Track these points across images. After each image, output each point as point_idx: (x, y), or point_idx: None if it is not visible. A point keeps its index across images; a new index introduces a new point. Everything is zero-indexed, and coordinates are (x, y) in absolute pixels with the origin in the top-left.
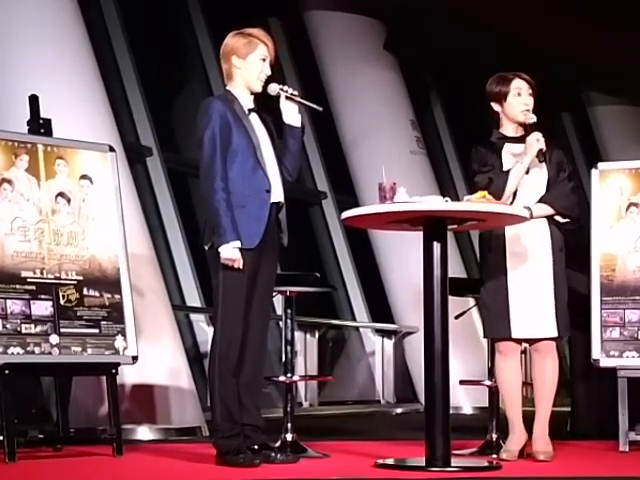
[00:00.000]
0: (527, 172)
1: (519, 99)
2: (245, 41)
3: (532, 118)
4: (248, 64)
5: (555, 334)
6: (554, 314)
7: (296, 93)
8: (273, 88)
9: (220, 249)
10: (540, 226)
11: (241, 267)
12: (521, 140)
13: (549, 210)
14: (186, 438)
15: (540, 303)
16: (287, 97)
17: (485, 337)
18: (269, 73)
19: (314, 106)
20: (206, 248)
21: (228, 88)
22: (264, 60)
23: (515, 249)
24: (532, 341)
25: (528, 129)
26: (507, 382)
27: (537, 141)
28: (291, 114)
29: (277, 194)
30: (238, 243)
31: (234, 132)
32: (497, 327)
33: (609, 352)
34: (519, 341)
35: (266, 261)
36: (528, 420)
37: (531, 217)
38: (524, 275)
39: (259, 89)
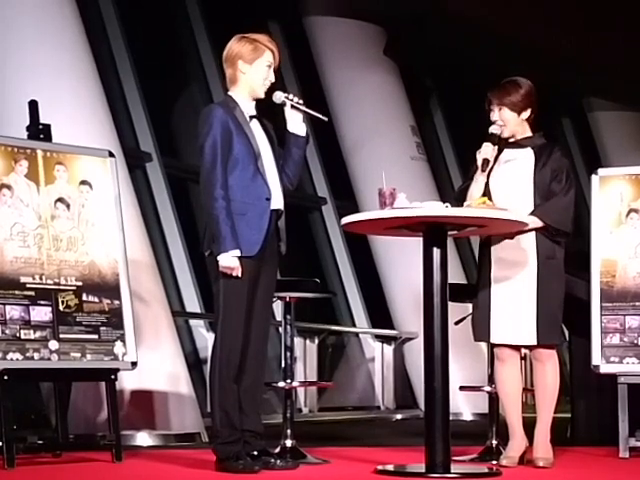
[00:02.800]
0: (508, 175)
1: (491, 115)
2: (252, 47)
3: (492, 129)
4: (254, 69)
5: (534, 342)
6: (535, 322)
7: (301, 102)
8: (278, 96)
9: (219, 257)
10: (526, 233)
11: (240, 275)
12: (513, 146)
13: (540, 223)
14: (185, 444)
15: (521, 310)
16: (292, 106)
17: (475, 340)
18: (273, 80)
19: (319, 116)
20: (206, 255)
21: (230, 93)
22: (269, 67)
23: (500, 255)
24: (531, 348)
25: (531, 135)
26: (507, 389)
27: (478, 152)
28: (296, 123)
29: (277, 202)
30: (237, 252)
31: (235, 140)
32: (479, 331)
33: (609, 358)
34: (518, 347)
35: (266, 268)
36: (529, 426)
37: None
38: (507, 282)
39: (262, 95)
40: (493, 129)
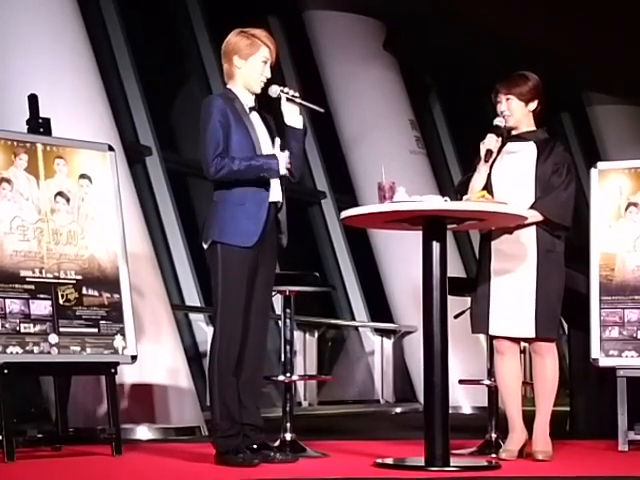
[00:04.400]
0: (511, 168)
1: (498, 107)
2: (248, 42)
3: (497, 121)
4: (249, 65)
5: (532, 334)
6: (534, 314)
7: (297, 95)
8: (274, 90)
9: (279, 168)
10: (526, 227)
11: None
12: (516, 139)
13: (540, 217)
14: (185, 438)
15: (520, 303)
16: (288, 99)
17: (472, 332)
18: (269, 76)
19: (315, 107)
20: (205, 247)
21: (229, 86)
22: (265, 63)
23: (500, 248)
24: (531, 341)
25: (535, 128)
26: (506, 381)
27: (482, 143)
28: (292, 116)
29: (276, 194)
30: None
31: (233, 130)
32: (478, 323)
33: (608, 351)
34: (517, 340)
35: (265, 260)
36: (528, 420)
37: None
38: (507, 274)
39: (258, 90)
40: (497, 121)
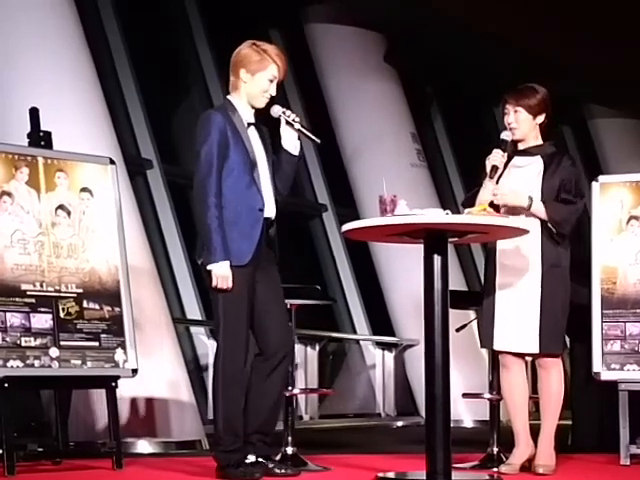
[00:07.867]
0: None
1: (505, 118)
2: (258, 57)
3: (504, 136)
4: (255, 81)
5: (536, 350)
6: (537, 330)
7: (297, 119)
8: (276, 110)
9: (210, 267)
10: (532, 241)
11: (230, 286)
12: (523, 153)
13: (544, 214)
14: (186, 451)
15: (524, 318)
16: (287, 122)
17: (480, 347)
18: (274, 94)
19: (313, 137)
20: (199, 262)
21: (229, 98)
22: (272, 81)
23: (505, 262)
24: (536, 356)
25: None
26: (513, 396)
27: (488, 159)
28: (290, 141)
29: (270, 210)
30: (227, 263)
31: (232, 148)
32: (483, 337)
33: (610, 365)
34: (523, 355)
35: (263, 275)
36: (533, 434)
37: (529, 208)
38: (511, 288)
39: (260, 106)
40: (504, 135)
